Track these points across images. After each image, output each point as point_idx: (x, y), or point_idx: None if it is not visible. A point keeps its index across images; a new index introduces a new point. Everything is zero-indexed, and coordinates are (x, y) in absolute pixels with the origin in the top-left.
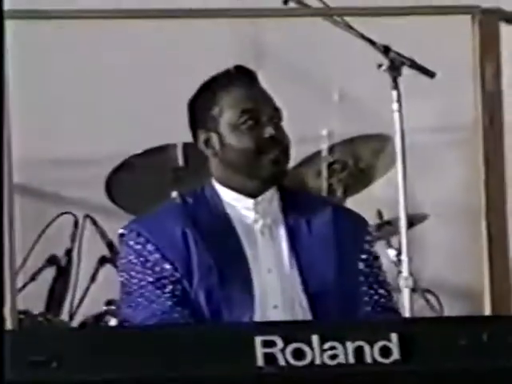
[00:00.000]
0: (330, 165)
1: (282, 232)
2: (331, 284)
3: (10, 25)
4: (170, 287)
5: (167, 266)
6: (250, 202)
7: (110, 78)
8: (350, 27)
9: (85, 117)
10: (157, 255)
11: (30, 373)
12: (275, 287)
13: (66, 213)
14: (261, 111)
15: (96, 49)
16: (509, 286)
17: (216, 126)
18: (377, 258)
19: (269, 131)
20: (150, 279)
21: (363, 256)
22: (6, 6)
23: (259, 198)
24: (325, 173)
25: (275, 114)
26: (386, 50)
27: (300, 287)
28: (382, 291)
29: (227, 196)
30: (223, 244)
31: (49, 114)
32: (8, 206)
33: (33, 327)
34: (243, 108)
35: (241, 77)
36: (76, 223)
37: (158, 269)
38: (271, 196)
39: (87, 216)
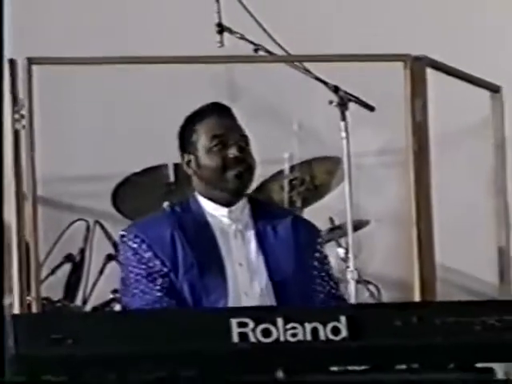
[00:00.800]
0: (290, 181)
1: (251, 235)
2: (290, 276)
3: (36, 69)
4: (160, 280)
5: (157, 262)
6: (225, 210)
7: (114, 112)
8: (307, 71)
9: (95, 142)
10: (149, 253)
11: (50, 348)
12: (245, 278)
13: (79, 219)
14: (228, 136)
15: (102, 89)
16: (434, 277)
17: (194, 150)
18: (326, 256)
19: (233, 152)
20: (144, 273)
21: (316, 255)
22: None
23: (232, 208)
24: (287, 188)
25: (241, 139)
26: (336, 89)
27: (265, 278)
28: (331, 283)
29: (207, 206)
30: (203, 244)
31: (66, 140)
32: (33, 215)
33: (53, 311)
34: (213, 134)
35: (215, 110)
36: (88, 228)
37: (150, 264)
38: (243, 206)
39: (97, 222)
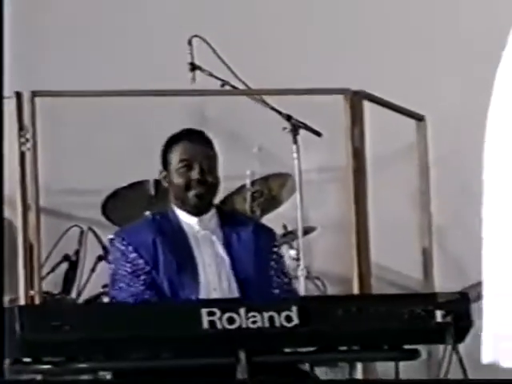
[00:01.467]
0: (252, 194)
1: (218, 239)
2: (252, 274)
3: (38, 100)
4: (143, 276)
5: (141, 261)
6: (195, 219)
7: (106, 136)
8: (265, 102)
9: (89, 161)
10: (134, 254)
11: (50, 333)
12: (214, 276)
13: (75, 226)
14: (193, 160)
15: (98, 116)
16: (370, 274)
17: (169, 168)
18: (282, 256)
19: (195, 175)
20: (129, 270)
21: (273, 256)
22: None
23: (202, 217)
24: (248, 199)
25: (205, 162)
26: (288, 118)
27: (231, 276)
28: (285, 279)
29: (181, 215)
30: (179, 247)
31: (64, 159)
32: (36, 222)
33: (53, 303)
34: (181, 158)
35: (188, 135)
36: (82, 233)
37: (135, 263)
38: (211, 215)
39: (89, 228)
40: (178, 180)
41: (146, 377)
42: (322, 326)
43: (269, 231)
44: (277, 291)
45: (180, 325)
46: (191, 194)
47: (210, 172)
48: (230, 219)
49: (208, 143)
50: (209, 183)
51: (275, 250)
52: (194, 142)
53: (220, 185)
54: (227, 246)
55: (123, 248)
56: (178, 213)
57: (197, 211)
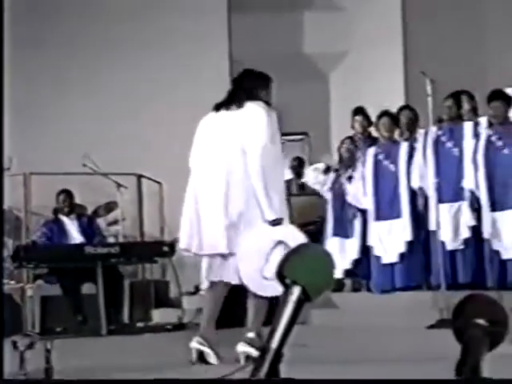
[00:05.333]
0: (104, 208)
1: (77, 223)
2: (89, 234)
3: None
4: (46, 236)
5: (47, 232)
6: (67, 218)
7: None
8: (113, 180)
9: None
10: (46, 230)
11: (36, 253)
12: (74, 237)
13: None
14: (62, 200)
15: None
16: (145, 236)
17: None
18: (99, 227)
19: (61, 204)
20: (41, 234)
21: (95, 226)
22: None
23: (69, 217)
24: (102, 210)
25: (67, 202)
26: (117, 183)
27: (82, 236)
28: (101, 235)
29: (62, 216)
30: (61, 229)
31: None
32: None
33: (36, 244)
34: (59, 199)
35: (64, 191)
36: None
37: (44, 232)
38: (73, 216)
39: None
40: (58, 205)
41: (62, 270)
42: (128, 252)
43: (93, 218)
44: (97, 239)
45: (76, 252)
46: (62, 211)
47: (70, 204)
48: (81, 216)
49: (70, 194)
50: (69, 208)
51: (96, 223)
52: (65, 193)
53: (75, 206)
54: (80, 226)
55: (42, 226)
56: (61, 216)
57: (66, 215)
